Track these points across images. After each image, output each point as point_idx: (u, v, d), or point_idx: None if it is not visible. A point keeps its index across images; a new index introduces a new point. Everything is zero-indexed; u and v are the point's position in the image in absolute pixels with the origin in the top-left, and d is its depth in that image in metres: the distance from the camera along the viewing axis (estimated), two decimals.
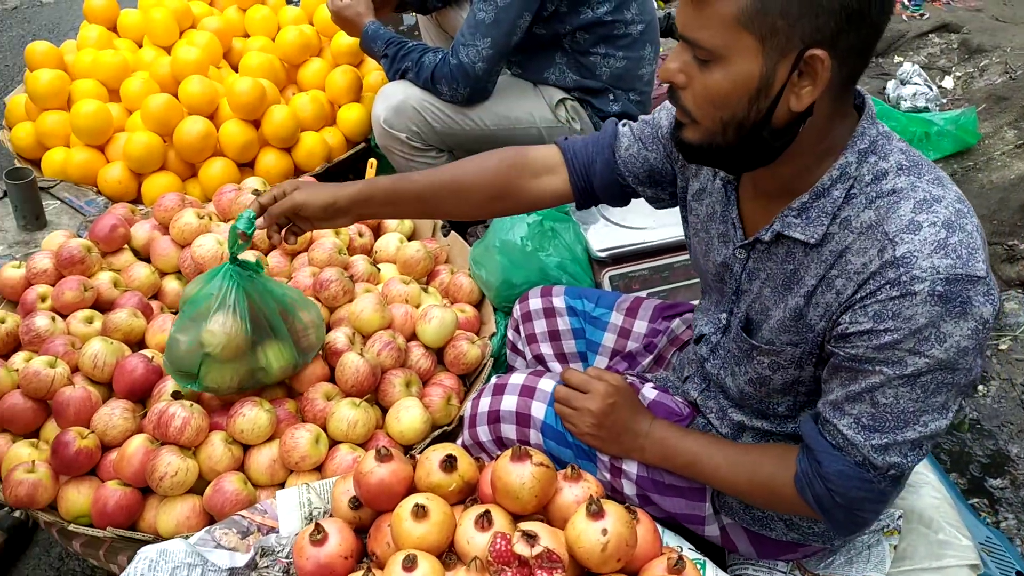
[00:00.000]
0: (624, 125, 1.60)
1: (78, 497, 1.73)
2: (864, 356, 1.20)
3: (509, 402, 1.58)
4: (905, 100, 3.43)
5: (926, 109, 3.42)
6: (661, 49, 3.07)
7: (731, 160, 1.25)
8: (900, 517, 1.63)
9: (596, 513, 1.27)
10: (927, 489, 1.71)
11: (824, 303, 1.27)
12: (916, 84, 3.46)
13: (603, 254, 2.20)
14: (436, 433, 1.86)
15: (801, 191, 1.27)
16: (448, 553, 1.36)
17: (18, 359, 1.90)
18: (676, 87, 1.21)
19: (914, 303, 1.14)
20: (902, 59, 3.79)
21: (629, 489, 1.55)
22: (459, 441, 1.70)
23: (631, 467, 1.54)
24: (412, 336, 2.05)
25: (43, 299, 2.05)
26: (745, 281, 1.41)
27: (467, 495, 1.49)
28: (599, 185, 1.61)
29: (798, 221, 1.27)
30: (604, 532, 1.25)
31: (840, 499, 1.28)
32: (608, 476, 1.55)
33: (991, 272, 1.17)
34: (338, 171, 2.82)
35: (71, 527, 1.71)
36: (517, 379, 1.62)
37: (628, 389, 1.55)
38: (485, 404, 1.61)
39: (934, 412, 1.20)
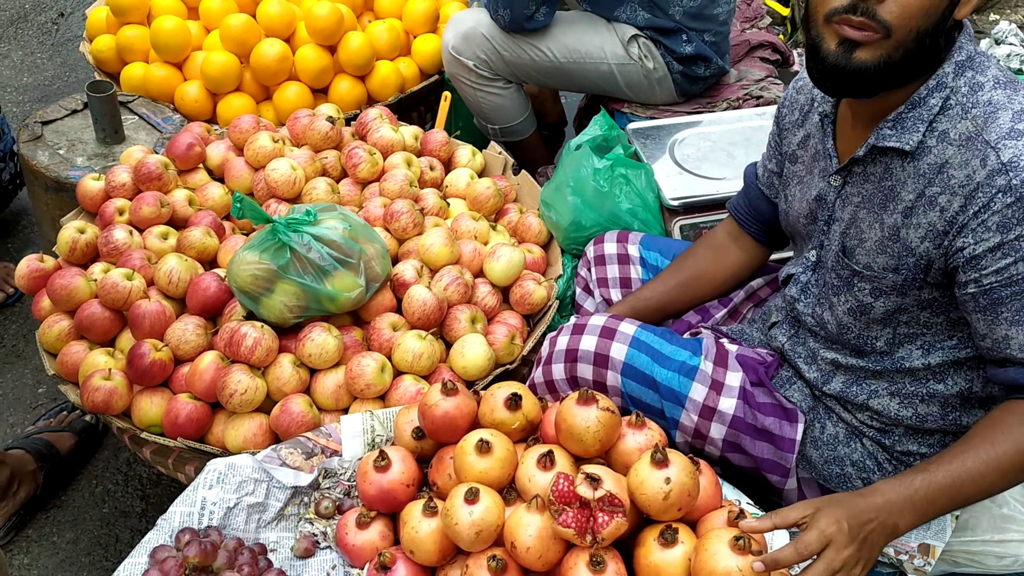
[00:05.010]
0: (753, 165, 1.75)
1: (151, 407, 1.78)
2: (1018, 274, 1.20)
3: (588, 342, 1.57)
4: (999, 61, 3.29)
5: (1020, 72, 3.27)
6: None
7: (880, 80, 1.23)
8: None
9: (661, 462, 1.27)
10: None
11: (927, 223, 1.27)
12: (1011, 44, 3.30)
13: (675, 203, 2.15)
14: (498, 371, 1.87)
15: (897, 107, 1.29)
16: (509, 489, 1.38)
17: (97, 269, 1.95)
18: (873, 2, 1.17)
19: None
20: (998, 17, 3.62)
21: (717, 432, 1.52)
22: (529, 378, 1.70)
23: (727, 406, 1.51)
24: (479, 273, 2.05)
25: (121, 212, 2.09)
26: (839, 209, 1.42)
27: (529, 434, 1.50)
28: (769, 215, 1.70)
29: (892, 132, 1.29)
30: (667, 481, 1.26)
31: None
32: (696, 418, 1.53)
33: None
34: (411, 102, 2.80)
35: (143, 435, 1.77)
36: (597, 320, 1.61)
37: (829, 500, 1.23)
38: (563, 343, 1.61)
39: None
